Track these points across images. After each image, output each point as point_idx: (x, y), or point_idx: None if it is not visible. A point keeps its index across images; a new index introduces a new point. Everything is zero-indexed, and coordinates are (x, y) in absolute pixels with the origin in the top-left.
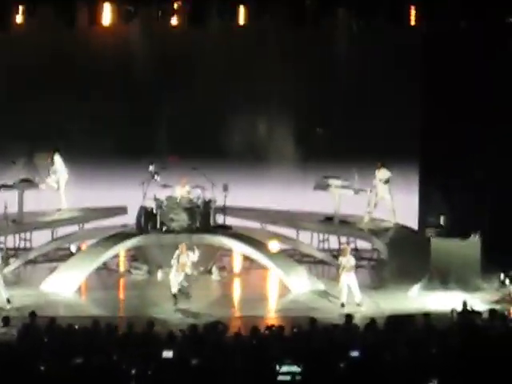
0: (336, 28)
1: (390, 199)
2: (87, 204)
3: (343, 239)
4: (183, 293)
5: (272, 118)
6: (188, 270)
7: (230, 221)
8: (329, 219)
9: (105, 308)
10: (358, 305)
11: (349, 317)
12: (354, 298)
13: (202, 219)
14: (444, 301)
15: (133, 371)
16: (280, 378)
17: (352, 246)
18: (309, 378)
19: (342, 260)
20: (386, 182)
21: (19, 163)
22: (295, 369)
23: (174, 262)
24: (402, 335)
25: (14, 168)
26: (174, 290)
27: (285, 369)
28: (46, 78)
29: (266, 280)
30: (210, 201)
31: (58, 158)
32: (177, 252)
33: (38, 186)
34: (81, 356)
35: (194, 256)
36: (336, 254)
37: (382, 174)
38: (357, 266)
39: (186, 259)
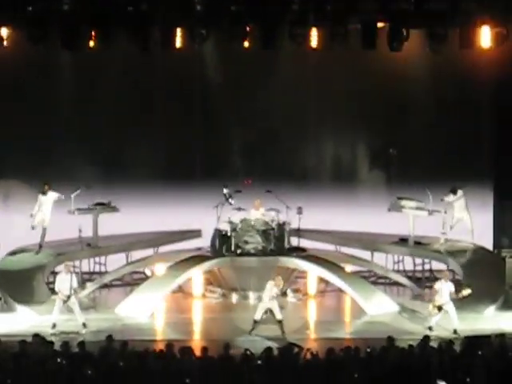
0: (409, 50)
1: (470, 218)
2: (161, 227)
3: (418, 261)
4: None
5: (345, 140)
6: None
7: (305, 243)
8: (403, 240)
9: (180, 332)
10: (430, 328)
11: (425, 338)
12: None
13: (276, 242)
14: None
15: None
16: None
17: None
18: None
19: (442, 286)
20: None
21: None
22: None
23: (267, 293)
24: (478, 357)
25: (88, 192)
26: (257, 317)
27: None
28: (118, 102)
29: (341, 302)
30: (284, 223)
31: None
32: (271, 283)
33: (113, 209)
34: (155, 380)
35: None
36: (411, 275)
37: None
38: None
39: (277, 291)
